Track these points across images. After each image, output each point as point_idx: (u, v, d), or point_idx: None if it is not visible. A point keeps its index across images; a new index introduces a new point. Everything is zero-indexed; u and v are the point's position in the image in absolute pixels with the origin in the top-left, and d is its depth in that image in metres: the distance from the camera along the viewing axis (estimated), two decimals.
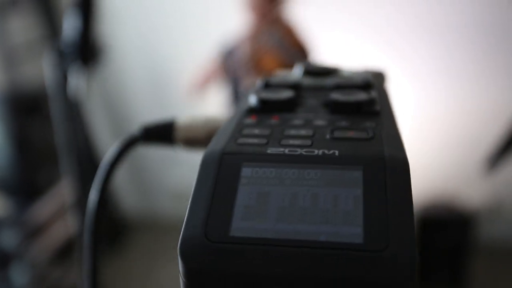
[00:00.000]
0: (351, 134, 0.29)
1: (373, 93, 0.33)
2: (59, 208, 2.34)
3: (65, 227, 2.35)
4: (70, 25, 1.10)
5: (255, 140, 0.29)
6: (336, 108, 0.32)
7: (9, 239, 2.11)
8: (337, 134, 0.29)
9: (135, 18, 2.68)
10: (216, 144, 0.29)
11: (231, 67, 1.87)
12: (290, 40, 1.81)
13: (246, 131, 0.30)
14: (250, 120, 0.32)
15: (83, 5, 1.10)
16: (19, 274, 2.10)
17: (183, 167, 2.93)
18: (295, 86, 0.37)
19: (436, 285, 2.32)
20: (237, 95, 1.89)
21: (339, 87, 0.35)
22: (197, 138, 0.41)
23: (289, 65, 1.76)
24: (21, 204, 2.24)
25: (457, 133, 2.44)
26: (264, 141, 0.29)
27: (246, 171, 0.26)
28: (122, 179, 3.07)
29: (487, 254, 2.41)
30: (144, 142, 0.43)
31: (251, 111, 0.33)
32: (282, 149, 0.27)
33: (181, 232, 0.25)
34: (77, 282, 2.03)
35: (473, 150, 2.23)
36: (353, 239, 0.23)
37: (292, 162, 0.26)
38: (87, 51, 1.10)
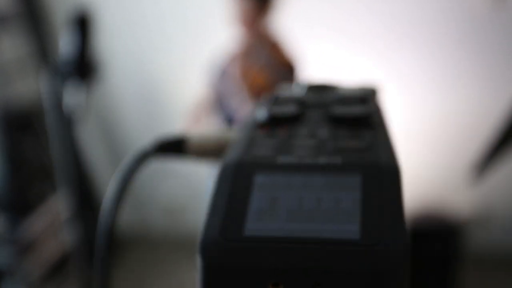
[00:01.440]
0: (351, 144, 0.32)
1: (369, 107, 0.37)
2: (51, 224, 2.34)
3: (57, 243, 2.35)
4: (66, 42, 1.13)
5: (266, 151, 0.32)
6: (337, 121, 0.36)
7: (1, 255, 2.10)
8: (339, 144, 0.32)
9: (125, 34, 2.71)
10: (232, 155, 0.32)
11: (222, 89, 1.88)
12: (277, 56, 1.82)
13: (258, 143, 0.34)
14: (260, 133, 0.35)
15: (80, 22, 1.13)
16: None
17: (175, 182, 2.95)
18: (300, 102, 0.39)
19: None
20: (230, 116, 1.90)
21: (339, 102, 0.38)
22: (208, 150, 0.44)
23: (276, 83, 1.79)
24: (13, 220, 2.23)
25: (445, 141, 2.47)
26: (274, 152, 0.32)
27: (259, 179, 0.29)
28: None
29: (476, 264, 2.43)
30: (157, 154, 0.46)
31: (260, 125, 0.37)
32: (290, 159, 0.31)
33: (201, 233, 0.27)
34: None
35: (461, 159, 2.26)
36: (351, 236, 0.26)
37: (300, 170, 0.30)
38: (84, 67, 1.13)
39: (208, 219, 0.28)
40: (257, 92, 1.79)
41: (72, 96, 1.16)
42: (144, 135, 2.90)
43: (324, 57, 2.39)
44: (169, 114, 2.80)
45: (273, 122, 0.36)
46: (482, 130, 1.76)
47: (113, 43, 2.66)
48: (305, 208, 0.27)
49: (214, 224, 0.27)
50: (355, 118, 0.35)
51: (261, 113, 0.37)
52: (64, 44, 1.15)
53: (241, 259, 0.26)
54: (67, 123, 1.14)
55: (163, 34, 2.64)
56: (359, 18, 2.36)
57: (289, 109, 0.37)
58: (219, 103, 1.91)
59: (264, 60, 1.80)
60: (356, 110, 0.36)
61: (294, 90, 0.45)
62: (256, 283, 0.25)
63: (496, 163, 1.06)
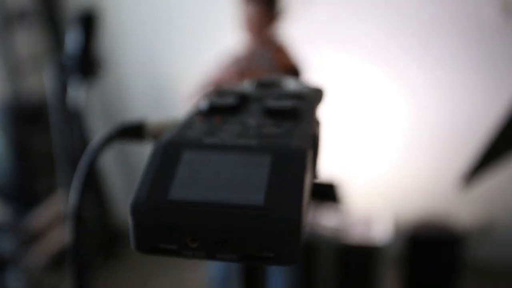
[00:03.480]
0: (271, 131, 0.37)
1: (300, 103, 0.42)
2: (56, 216, 2.39)
3: (61, 235, 2.40)
4: (71, 39, 1.18)
5: (197, 134, 0.37)
6: (268, 113, 0.41)
7: (6, 244, 2.16)
8: (261, 131, 0.37)
9: (136, 34, 2.77)
10: (166, 136, 0.37)
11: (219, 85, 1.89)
12: (280, 61, 1.84)
13: (193, 127, 0.39)
14: (197, 119, 0.41)
15: (84, 21, 1.17)
16: (14, 280, 2.14)
17: None
18: (243, 95, 0.45)
19: None
20: None
21: (275, 97, 0.43)
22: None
23: None
24: (19, 211, 2.29)
25: (450, 150, 2.46)
26: (203, 134, 0.37)
27: (185, 156, 0.35)
28: (117, 189, 3.11)
29: (478, 273, 2.43)
30: (118, 138, 0.50)
31: (200, 113, 0.42)
32: (215, 140, 0.36)
33: (131, 197, 0.33)
34: None
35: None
36: (257, 203, 0.31)
37: (221, 150, 0.35)
38: (87, 64, 1.18)
39: (138, 187, 0.33)
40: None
41: (75, 91, 1.21)
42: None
43: (330, 62, 2.42)
44: (177, 113, 2.84)
45: (212, 111, 0.41)
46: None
47: (122, 41, 2.72)
48: (220, 181, 0.33)
49: (143, 190, 0.33)
50: (282, 111, 0.41)
51: (203, 103, 0.43)
52: (69, 41, 1.20)
53: (164, 218, 0.31)
54: (70, 116, 1.18)
55: (172, 35, 2.70)
56: (365, 25, 2.39)
57: (227, 101, 0.42)
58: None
59: (266, 63, 1.82)
60: (285, 104, 0.41)
61: (243, 86, 0.50)
62: (176, 238, 0.31)
63: (485, 173, 1.07)
